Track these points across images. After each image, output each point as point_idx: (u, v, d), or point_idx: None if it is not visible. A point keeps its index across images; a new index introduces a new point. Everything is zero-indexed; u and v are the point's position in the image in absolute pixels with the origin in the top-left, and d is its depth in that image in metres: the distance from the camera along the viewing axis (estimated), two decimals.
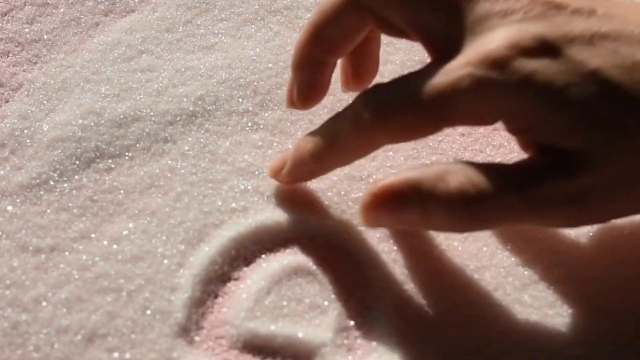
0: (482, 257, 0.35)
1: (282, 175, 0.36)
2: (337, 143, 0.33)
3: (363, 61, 0.37)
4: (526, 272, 0.34)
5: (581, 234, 0.35)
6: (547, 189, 0.28)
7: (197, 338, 0.32)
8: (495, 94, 0.28)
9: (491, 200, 0.28)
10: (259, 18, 0.47)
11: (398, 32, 0.33)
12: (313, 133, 0.34)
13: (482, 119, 0.30)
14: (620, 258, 0.35)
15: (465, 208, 0.28)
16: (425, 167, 0.29)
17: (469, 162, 0.29)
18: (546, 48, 0.28)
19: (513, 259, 0.35)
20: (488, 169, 0.29)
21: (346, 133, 0.32)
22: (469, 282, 0.34)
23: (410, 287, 0.33)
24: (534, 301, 0.33)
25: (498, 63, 0.28)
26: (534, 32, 0.28)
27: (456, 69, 0.28)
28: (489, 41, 0.28)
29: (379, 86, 0.31)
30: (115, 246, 0.34)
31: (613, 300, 0.33)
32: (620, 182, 0.28)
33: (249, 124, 0.40)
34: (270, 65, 0.43)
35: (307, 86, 0.36)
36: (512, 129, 0.30)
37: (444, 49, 0.30)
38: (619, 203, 0.29)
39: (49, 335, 0.31)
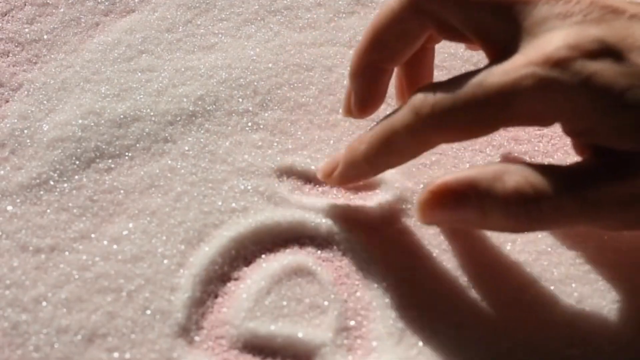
0: (482, 257, 0.35)
1: (333, 177, 0.35)
2: (391, 144, 0.32)
3: (418, 71, 0.37)
4: (527, 272, 0.34)
5: (581, 233, 0.35)
6: (603, 191, 0.28)
7: (197, 338, 0.32)
8: (556, 94, 0.28)
9: (548, 201, 0.28)
10: (259, 18, 0.47)
11: (457, 36, 0.33)
12: (366, 134, 0.34)
13: (541, 119, 0.30)
14: (620, 258, 0.35)
15: (522, 208, 0.29)
16: (482, 166, 0.30)
17: (526, 162, 0.30)
18: (607, 51, 0.28)
19: (513, 259, 0.35)
20: (545, 170, 0.29)
21: (401, 134, 0.32)
22: (470, 282, 0.34)
23: (410, 287, 0.33)
24: (534, 301, 0.33)
25: (560, 63, 0.28)
26: (594, 35, 0.28)
27: (518, 68, 0.28)
28: (550, 42, 0.28)
29: (435, 85, 0.31)
30: (115, 246, 0.34)
31: (612, 300, 0.33)
32: None
33: (249, 124, 0.40)
34: (270, 65, 0.43)
35: (366, 94, 0.35)
36: (570, 131, 0.30)
37: (502, 51, 0.30)
38: None
39: (49, 335, 0.31)
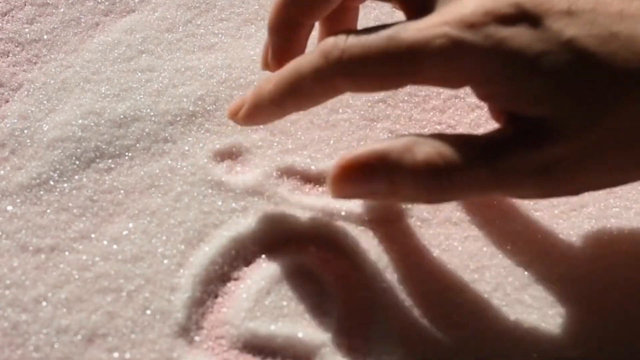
0: (482, 257, 0.35)
1: (240, 116, 0.35)
2: (299, 87, 0.32)
3: (340, 28, 0.36)
4: (526, 272, 0.34)
5: (581, 234, 0.35)
6: (515, 160, 0.28)
7: (197, 338, 0.32)
8: (467, 56, 0.28)
9: (459, 172, 0.28)
10: (259, 18, 0.47)
11: None
12: (274, 74, 0.33)
13: (450, 80, 0.30)
14: (619, 258, 0.35)
15: (433, 180, 0.28)
16: (393, 138, 0.29)
17: (438, 134, 0.29)
18: (523, 16, 0.28)
19: (513, 259, 0.35)
20: (457, 140, 0.29)
21: (308, 77, 0.31)
22: (469, 282, 0.34)
23: (410, 287, 0.33)
24: (534, 301, 0.33)
25: (474, 25, 0.28)
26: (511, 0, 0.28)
27: (431, 27, 0.28)
28: (467, 5, 0.28)
29: (349, 32, 0.31)
30: (115, 246, 0.34)
31: (612, 300, 0.33)
32: (591, 153, 0.28)
33: None
34: None
35: (282, 48, 0.35)
36: (483, 96, 0.30)
37: (420, 9, 0.30)
38: (590, 175, 0.29)
39: (49, 335, 0.31)
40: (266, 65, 0.36)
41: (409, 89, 0.42)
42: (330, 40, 0.31)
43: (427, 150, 0.28)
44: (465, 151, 0.28)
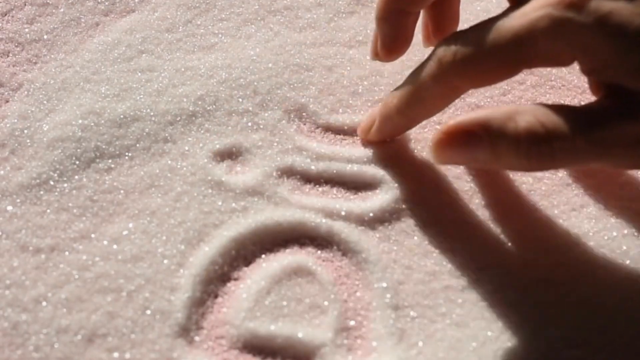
0: (482, 257, 0.35)
1: (372, 133, 0.38)
2: (421, 95, 0.34)
3: (444, 15, 0.39)
4: (526, 272, 0.34)
5: (581, 233, 0.35)
6: (614, 130, 0.29)
7: (197, 338, 0.32)
8: (572, 34, 0.29)
9: (559, 141, 0.29)
10: (259, 18, 0.47)
11: None
12: (398, 87, 0.36)
13: (559, 59, 0.31)
14: (619, 258, 0.35)
15: (534, 148, 0.29)
16: (495, 107, 0.31)
17: (539, 103, 0.31)
18: None
19: (513, 259, 0.35)
20: (557, 110, 0.30)
21: (427, 83, 0.34)
22: (470, 282, 0.34)
23: (410, 287, 0.33)
24: (533, 301, 0.33)
25: (574, 4, 0.29)
26: None
27: (534, 11, 0.30)
28: None
29: (457, 34, 0.33)
30: (115, 246, 0.34)
31: (612, 300, 0.33)
32: None
33: (249, 124, 0.40)
34: (270, 65, 0.43)
35: (391, 37, 0.37)
36: (586, 69, 0.31)
37: None
38: None
39: (49, 335, 0.31)
40: (376, 55, 0.39)
41: None
42: (442, 46, 0.33)
43: (528, 119, 0.30)
44: (565, 121, 0.30)
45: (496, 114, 0.30)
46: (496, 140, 0.30)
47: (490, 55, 0.31)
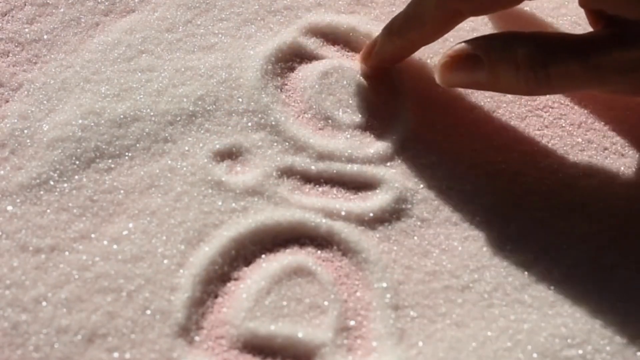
0: (482, 257, 0.35)
1: (373, 56, 0.39)
2: (422, 18, 0.36)
3: None
4: (526, 272, 0.34)
5: (581, 233, 0.35)
6: (610, 57, 0.31)
7: (197, 338, 0.32)
8: None
9: (555, 65, 0.31)
10: (259, 18, 0.47)
11: None
12: (401, 12, 0.37)
13: None
14: (619, 258, 0.35)
15: (531, 72, 0.32)
16: (496, 33, 0.33)
17: (537, 31, 0.32)
18: None
19: (513, 259, 0.35)
20: (555, 37, 0.32)
21: (429, 6, 0.35)
22: (470, 282, 0.34)
23: (410, 287, 0.33)
24: (534, 301, 0.33)
25: None
26: None
27: None
28: None
29: None
30: (115, 246, 0.34)
31: (612, 300, 0.33)
32: None
33: (249, 124, 0.40)
34: (270, 65, 0.43)
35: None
36: (583, 0, 0.33)
37: None
38: None
39: (49, 335, 0.31)
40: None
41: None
42: None
43: (527, 44, 0.32)
44: (562, 47, 0.32)
45: (497, 39, 0.33)
46: (496, 63, 0.32)
47: None
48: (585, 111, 0.41)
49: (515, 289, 0.33)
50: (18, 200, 0.36)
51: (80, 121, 0.39)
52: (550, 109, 0.41)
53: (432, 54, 0.42)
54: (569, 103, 0.41)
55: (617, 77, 0.31)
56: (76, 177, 0.37)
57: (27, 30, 0.45)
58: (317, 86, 0.42)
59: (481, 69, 0.33)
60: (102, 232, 0.35)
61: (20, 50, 0.44)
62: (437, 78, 0.35)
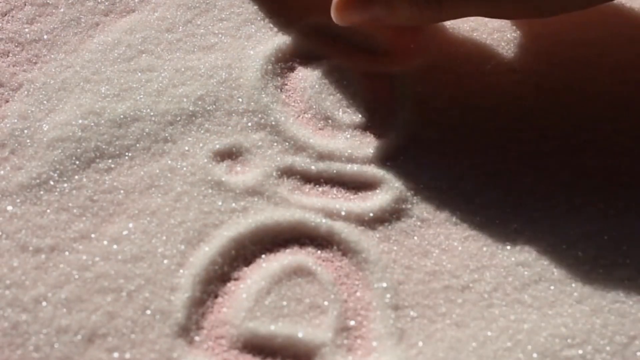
0: (482, 257, 0.35)
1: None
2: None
3: None
4: (526, 272, 0.34)
5: (581, 233, 0.35)
6: None
7: (197, 338, 0.32)
8: None
9: None
10: (259, 18, 0.47)
11: None
12: None
13: None
14: (619, 258, 0.35)
15: (423, 1, 0.36)
16: None
17: None
18: None
19: (513, 259, 0.35)
20: None
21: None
22: (470, 282, 0.34)
23: (410, 287, 0.33)
24: (534, 301, 0.33)
25: None
26: None
27: None
28: None
29: None
30: (115, 246, 0.34)
31: (612, 300, 0.33)
32: None
33: (249, 124, 0.40)
34: (270, 65, 0.43)
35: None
36: None
37: None
38: None
39: (49, 335, 0.31)
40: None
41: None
42: None
43: None
44: None
45: None
46: None
47: None
48: (586, 112, 0.41)
49: (515, 289, 0.33)
50: (18, 200, 0.36)
51: (80, 121, 0.39)
52: (551, 111, 0.41)
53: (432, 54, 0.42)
54: (569, 104, 0.41)
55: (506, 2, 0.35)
56: (76, 177, 0.37)
57: (27, 30, 0.45)
58: (317, 86, 0.42)
59: (377, 3, 0.36)
60: (102, 232, 0.35)
61: (20, 50, 0.44)
62: (334, 17, 0.37)
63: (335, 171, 0.38)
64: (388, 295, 0.33)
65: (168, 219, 0.35)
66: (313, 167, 0.38)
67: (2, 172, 0.37)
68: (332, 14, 0.37)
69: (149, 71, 0.43)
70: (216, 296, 0.33)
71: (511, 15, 0.39)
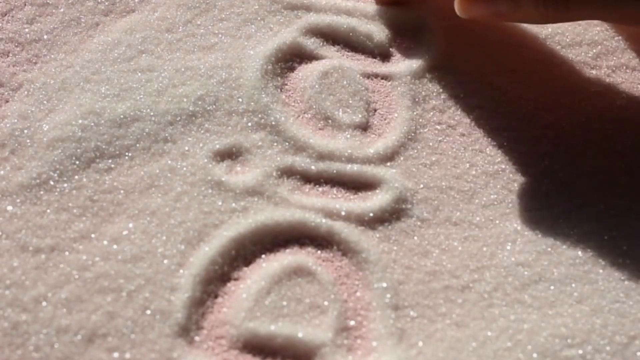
0: (482, 257, 0.35)
1: None
2: None
3: None
4: (526, 272, 0.34)
5: (581, 234, 0.35)
6: None
7: (197, 338, 0.32)
8: None
9: None
10: (259, 18, 0.47)
11: None
12: None
13: None
14: (619, 258, 0.35)
15: (551, 1, 0.35)
16: None
17: None
18: None
19: (513, 259, 0.35)
20: None
21: None
22: (470, 282, 0.34)
23: (410, 287, 0.33)
24: (534, 301, 0.33)
25: None
26: None
27: None
28: None
29: None
30: (115, 246, 0.34)
31: (612, 300, 0.33)
32: None
33: (249, 124, 0.40)
34: (270, 65, 0.43)
35: None
36: None
37: None
38: None
39: (49, 335, 0.31)
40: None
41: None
42: None
43: None
44: None
45: None
46: None
47: None
48: (585, 112, 0.41)
49: (515, 289, 0.33)
50: (18, 200, 0.36)
51: (80, 121, 0.39)
52: (551, 111, 0.41)
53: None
54: (569, 104, 0.41)
55: (634, 6, 0.34)
56: (76, 177, 0.37)
57: (27, 30, 0.45)
58: (317, 86, 0.42)
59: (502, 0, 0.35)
60: (102, 232, 0.35)
61: (20, 50, 0.44)
62: (458, 9, 0.37)
63: (335, 171, 0.38)
64: (388, 295, 0.33)
65: (168, 219, 0.35)
66: (313, 167, 0.38)
67: (2, 172, 0.37)
68: (456, 6, 0.37)
69: (149, 71, 0.43)
70: (216, 296, 0.33)
71: (636, 20, 0.38)
